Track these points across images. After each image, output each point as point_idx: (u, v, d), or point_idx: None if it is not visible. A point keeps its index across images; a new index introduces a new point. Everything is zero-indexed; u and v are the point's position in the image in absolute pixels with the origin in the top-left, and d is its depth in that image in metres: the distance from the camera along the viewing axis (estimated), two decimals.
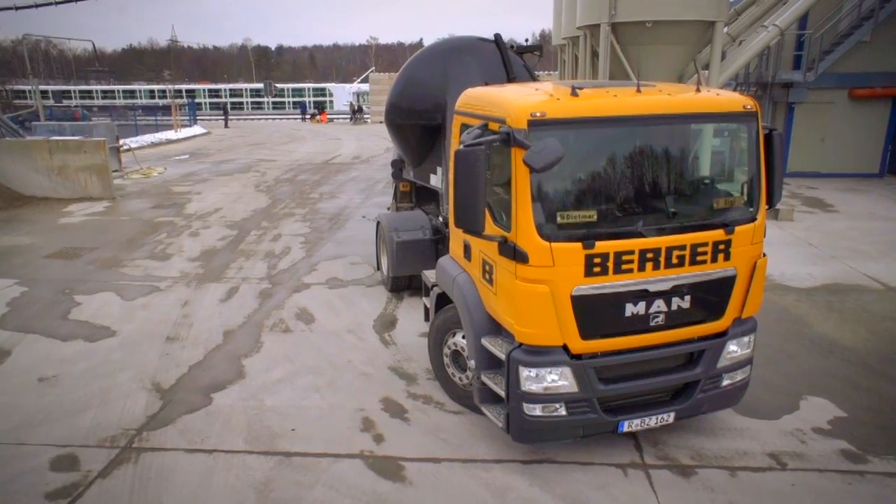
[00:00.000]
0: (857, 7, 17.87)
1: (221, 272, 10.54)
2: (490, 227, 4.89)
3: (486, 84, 9.45)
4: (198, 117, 48.82)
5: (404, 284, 9.40)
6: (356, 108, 49.61)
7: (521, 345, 4.86)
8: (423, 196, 11.17)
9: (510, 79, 9.38)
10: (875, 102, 18.63)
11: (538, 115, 4.49)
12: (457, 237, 5.99)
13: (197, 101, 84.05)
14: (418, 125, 9.59)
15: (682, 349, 5.09)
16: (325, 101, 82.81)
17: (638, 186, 4.85)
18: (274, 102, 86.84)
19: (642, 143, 4.80)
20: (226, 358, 7.37)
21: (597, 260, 4.60)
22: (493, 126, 4.90)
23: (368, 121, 50.02)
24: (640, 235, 4.66)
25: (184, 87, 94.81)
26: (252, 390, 6.61)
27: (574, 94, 4.70)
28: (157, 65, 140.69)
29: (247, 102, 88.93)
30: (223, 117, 47.22)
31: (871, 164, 19.17)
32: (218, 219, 14.37)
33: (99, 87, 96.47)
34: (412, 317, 8.49)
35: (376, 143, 31.99)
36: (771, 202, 5.26)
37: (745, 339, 5.29)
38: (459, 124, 5.79)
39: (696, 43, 13.50)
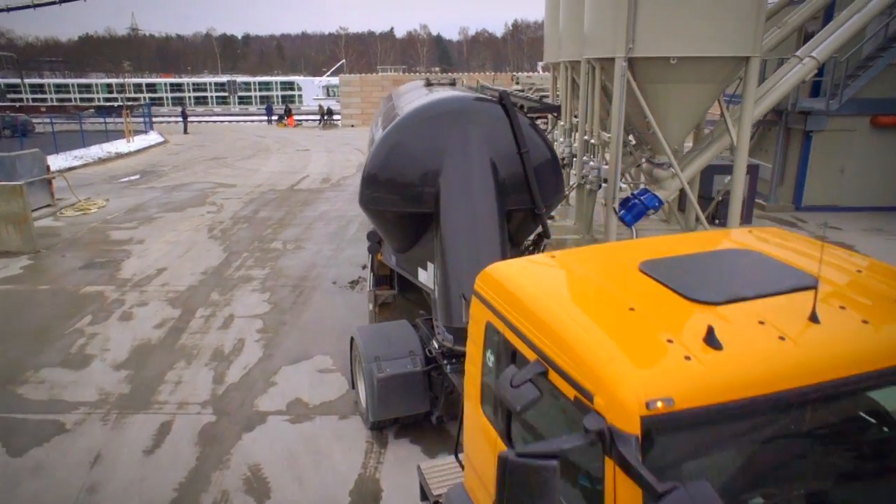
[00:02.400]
0: (884, 28, 16.11)
1: (153, 391, 8.24)
2: None
3: (493, 162, 7.42)
4: (155, 120, 45.63)
5: (389, 421, 7.25)
6: (325, 110, 46.88)
7: None
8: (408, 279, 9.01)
9: (521, 153, 7.29)
10: None
11: (660, 406, 2.36)
12: (474, 464, 3.90)
13: (158, 95, 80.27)
14: (404, 213, 7.44)
15: None
16: (293, 96, 79.74)
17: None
18: (240, 97, 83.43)
19: (829, 421, 2.72)
20: None
21: None
22: (564, 387, 2.75)
23: (339, 124, 47.39)
24: None
25: (144, 80, 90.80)
26: None
27: (713, 342, 2.56)
28: (116, 55, 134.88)
29: (211, 97, 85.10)
30: (182, 121, 44.05)
31: (893, 197, 17.53)
32: (159, 287, 11.97)
33: (52, 81, 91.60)
34: (401, 483, 6.35)
35: (347, 158, 29.60)
36: None
37: None
38: (485, 322, 3.60)
39: (726, 80, 11.52)
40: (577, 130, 17.26)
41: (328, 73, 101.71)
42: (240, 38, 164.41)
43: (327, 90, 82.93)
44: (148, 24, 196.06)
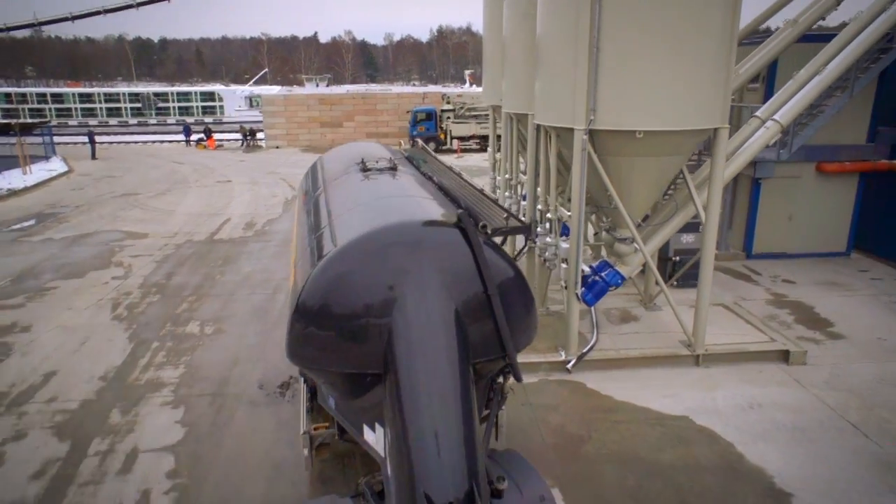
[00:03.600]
0: None
1: None
2: None
3: (455, 309, 6.05)
4: (59, 141, 41.80)
5: None
6: (248, 131, 44.24)
7: None
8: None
9: (489, 295, 5.96)
10: (842, 177, 16.82)
11: None
12: None
13: (65, 106, 74.56)
14: (345, 374, 5.97)
15: None
16: (214, 107, 75.98)
17: None
18: (158, 108, 78.58)
19: None
20: None
21: None
22: None
23: (263, 145, 44.91)
24: None
25: (49, 90, 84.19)
26: None
27: None
28: (16, 60, 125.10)
29: (125, 109, 79.50)
30: (90, 144, 40.41)
31: (838, 242, 17.41)
32: (44, 406, 9.92)
33: None
34: None
35: (272, 192, 27.59)
36: None
37: None
38: None
39: (692, 149, 10.64)
40: (521, 186, 16.17)
41: (251, 81, 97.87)
42: (156, 41, 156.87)
43: (250, 101, 79.54)
44: (53, 25, 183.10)
